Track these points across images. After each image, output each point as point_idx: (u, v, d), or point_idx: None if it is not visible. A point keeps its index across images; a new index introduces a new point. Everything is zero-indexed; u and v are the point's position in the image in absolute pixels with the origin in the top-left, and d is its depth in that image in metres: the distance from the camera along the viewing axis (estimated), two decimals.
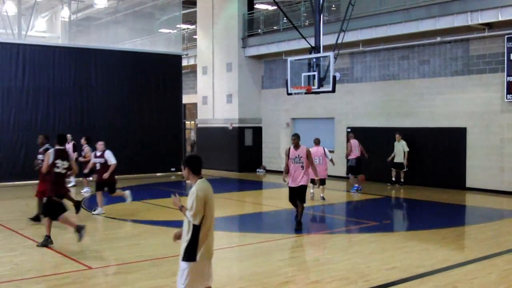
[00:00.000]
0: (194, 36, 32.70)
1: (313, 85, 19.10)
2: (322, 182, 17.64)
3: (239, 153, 27.61)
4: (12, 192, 20.43)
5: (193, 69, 32.18)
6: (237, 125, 27.86)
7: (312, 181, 17.36)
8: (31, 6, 34.64)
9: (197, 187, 6.24)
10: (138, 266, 9.61)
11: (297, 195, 13.18)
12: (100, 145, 15.40)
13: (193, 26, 33.96)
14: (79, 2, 36.65)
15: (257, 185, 23.59)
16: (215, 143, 29.03)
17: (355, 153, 19.83)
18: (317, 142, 18.02)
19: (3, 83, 22.53)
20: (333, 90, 18.82)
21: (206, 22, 29.72)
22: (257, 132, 28.23)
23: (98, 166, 15.32)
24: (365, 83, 23.60)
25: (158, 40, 31.88)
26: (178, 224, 13.90)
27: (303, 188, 13.22)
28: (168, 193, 19.27)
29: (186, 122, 34.83)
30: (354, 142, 20.02)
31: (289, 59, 20.11)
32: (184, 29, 34.35)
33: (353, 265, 9.68)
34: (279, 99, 26.94)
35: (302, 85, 19.32)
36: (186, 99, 30.28)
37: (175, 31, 31.94)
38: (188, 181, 6.39)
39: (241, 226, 14.72)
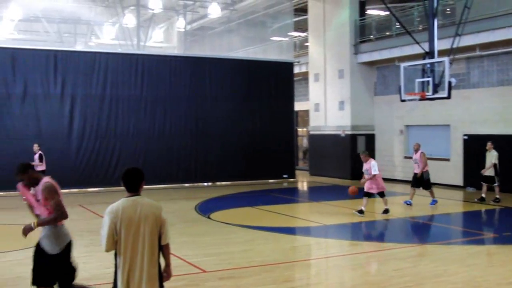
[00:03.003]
0: (306, 44, 32.80)
1: (428, 92, 18.60)
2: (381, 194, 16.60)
3: (351, 160, 27.31)
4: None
5: (305, 76, 32.27)
6: (349, 132, 27.64)
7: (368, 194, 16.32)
8: (149, 18, 36.07)
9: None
10: (251, 271, 9.75)
11: None
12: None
13: (305, 34, 34.07)
14: (194, 13, 37.79)
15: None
16: (328, 150, 28.93)
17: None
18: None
19: (123, 92, 23.54)
20: (449, 97, 18.25)
21: (317, 29, 29.74)
22: (370, 139, 27.86)
23: None
24: (482, 88, 22.71)
25: (270, 48, 32.27)
26: (290, 230, 14.04)
27: None
28: (280, 199, 19.41)
29: (298, 129, 34.96)
30: None
31: (402, 65, 19.71)
32: (296, 36, 34.55)
33: (470, 278, 9.34)
34: (392, 105, 26.46)
35: (416, 91, 18.87)
36: (298, 106, 30.40)
37: (286, 38, 32.21)
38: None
39: (353, 234, 14.59)
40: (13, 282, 9.14)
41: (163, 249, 5.69)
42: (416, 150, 18.34)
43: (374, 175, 15.99)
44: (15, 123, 21.84)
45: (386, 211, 16.23)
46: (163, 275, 5.71)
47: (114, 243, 5.39)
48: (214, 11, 32.80)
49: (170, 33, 42.56)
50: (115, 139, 23.36)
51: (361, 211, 15.83)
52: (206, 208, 17.71)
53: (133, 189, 5.56)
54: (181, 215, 16.33)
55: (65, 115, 22.60)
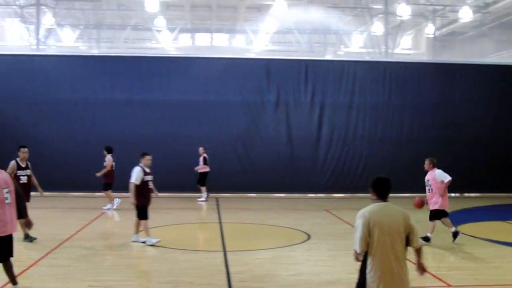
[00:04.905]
0: None
1: None
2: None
3: None
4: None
5: None
6: None
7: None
8: (397, 25, 35.88)
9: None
10: None
11: None
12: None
13: None
14: (444, 18, 36.79)
15: None
16: None
17: None
18: None
19: (371, 99, 23.59)
20: None
21: None
22: None
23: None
24: None
25: None
26: None
27: None
28: None
29: None
30: None
31: None
32: None
33: None
34: None
35: None
36: None
37: None
38: None
39: None
40: (263, 278, 9.73)
41: (417, 253, 6.10)
42: None
43: (448, 183, 12.95)
44: (269, 129, 23.16)
45: (427, 239, 12.94)
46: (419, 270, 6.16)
47: (366, 245, 5.77)
48: (466, 15, 31.62)
49: (419, 40, 41.89)
50: (362, 146, 23.57)
51: (426, 238, 12.97)
52: (453, 220, 16.90)
53: (384, 196, 5.95)
54: (426, 225, 15.98)
55: (314, 122, 23.38)
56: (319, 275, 10.04)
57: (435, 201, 13.10)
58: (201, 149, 20.87)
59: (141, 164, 12.59)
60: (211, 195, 21.48)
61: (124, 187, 19.20)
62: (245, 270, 10.31)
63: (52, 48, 37.32)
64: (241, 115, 22.94)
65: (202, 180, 20.95)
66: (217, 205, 19.77)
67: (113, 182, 18.12)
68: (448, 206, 13.32)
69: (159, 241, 12.44)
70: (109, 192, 18.10)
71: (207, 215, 17.48)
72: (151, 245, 12.29)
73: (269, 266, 10.64)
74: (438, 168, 13.56)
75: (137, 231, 12.73)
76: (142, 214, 12.53)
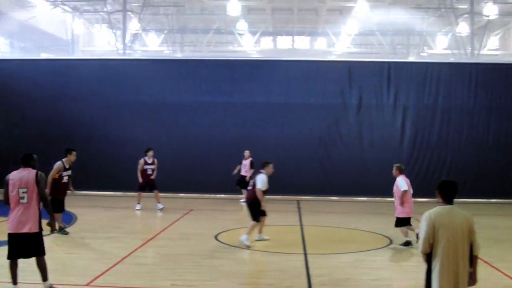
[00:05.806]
0: None
1: None
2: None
3: None
4: None
5: None
6: None
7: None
8: (483, 25, 34.87)
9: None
10: None
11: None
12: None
13: None
14: None
15: None
16: None
17: None
18: None
19: (456, 102, 22.94)
20: None
21: None
22: None
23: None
24: None
25: None
26: None
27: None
28: None
29: None
30: None
31: None
32: None
33: None
34: None
35: None
36: None
37: None
38: None
39: None
40: (343, 282, 9.69)
41: (472, 259, 6.12)
42: None
43: (405, 192, 12.88)
44: (350, 131, 22.90)
45: (408, 243, 12.80)
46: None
47: (429, 246, 6.00)
48: None
49: (507, 40, 40.55)
50: (446, 149, 22.93)
51: (407, 243, 12.82)
52: None
53: (449, 199, 6.11)
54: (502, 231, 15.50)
55: (397, 125, 22.97)
56: (400, 281, 9.91)
57: (397, 209, 13.07)
58: (247, 152, 20.59)
59: (264, 172, 13.21)
60: (293, 197, 21.54)
61: (218, 189, 21.18)
62: (326, 273, 10.28)
63: (137, 52, 38.45)
64: (323, 117, 22.82)
65: (245, 183, 19.72)
66: (298, 207, 19.78)
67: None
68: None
69: (249, 247, 12.53)
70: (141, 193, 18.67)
71: (288, 217, 17.50)
72: (240, 244, 12.58)
73: (350, 270, 10.57)
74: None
75: (261, 230, 13.38)
76: (257, 215, 12.99)
